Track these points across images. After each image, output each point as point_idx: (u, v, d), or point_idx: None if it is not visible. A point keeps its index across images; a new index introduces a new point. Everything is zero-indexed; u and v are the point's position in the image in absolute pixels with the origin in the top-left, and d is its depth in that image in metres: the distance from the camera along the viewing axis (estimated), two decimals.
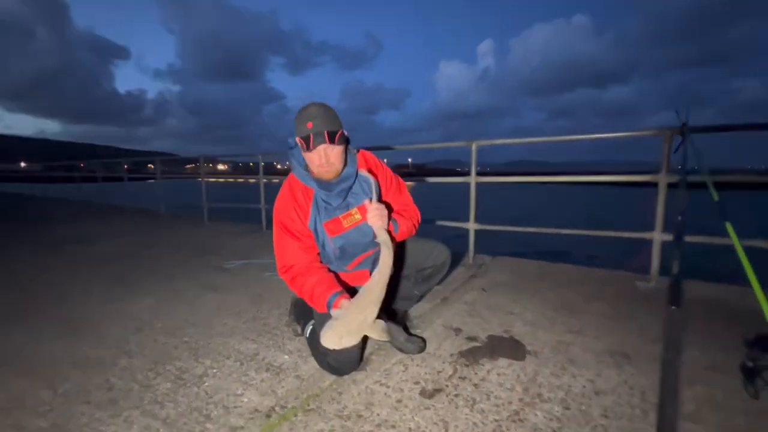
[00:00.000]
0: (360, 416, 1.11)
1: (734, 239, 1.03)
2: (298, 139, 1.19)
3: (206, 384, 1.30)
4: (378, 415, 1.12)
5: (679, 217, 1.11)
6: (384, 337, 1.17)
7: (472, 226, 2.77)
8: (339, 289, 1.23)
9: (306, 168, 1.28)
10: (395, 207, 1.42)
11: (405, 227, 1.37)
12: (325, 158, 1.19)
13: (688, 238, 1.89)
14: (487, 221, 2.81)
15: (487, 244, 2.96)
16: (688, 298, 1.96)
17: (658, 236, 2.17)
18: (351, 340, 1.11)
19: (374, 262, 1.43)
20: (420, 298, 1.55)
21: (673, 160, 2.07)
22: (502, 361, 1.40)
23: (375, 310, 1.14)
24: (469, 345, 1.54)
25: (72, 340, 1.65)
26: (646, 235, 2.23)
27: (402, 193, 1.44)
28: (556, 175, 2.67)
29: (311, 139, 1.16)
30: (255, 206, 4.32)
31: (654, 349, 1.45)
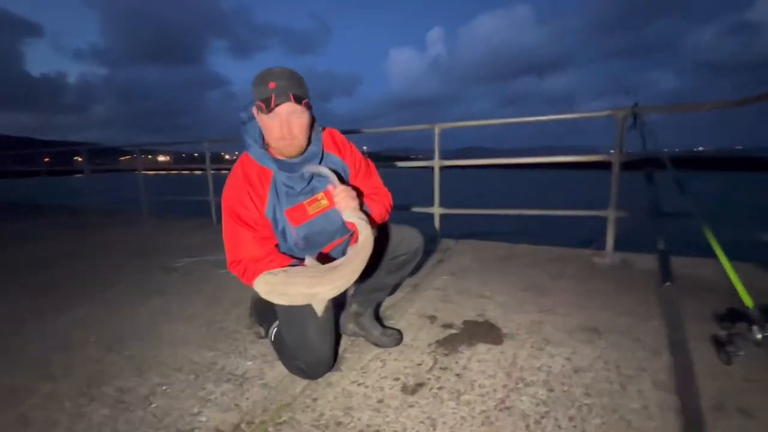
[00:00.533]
0: (339, 423, 1.01)
1: (701, 218, 1.04)
2: (257, 104, 1.02)
3: (154, 405, 1.11)
4: (359, 419, 1.02)
5: (651, 195, 1.11)
6: (319, 312, 1.01)
7: (437, 210, 2.74)
8: (295, 260, 1.10)
9: (263, 146, 1.11)
10: (365, 191, 1.30)
11: (377, 212, 1.26)
12: (287, 128, 1.03)
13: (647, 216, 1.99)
14: (449, 206, 2.79)
15: (448, 227, 2.95)
16: (650, 271, 2.08)
17: (612, 214, 2.27)
18: (282, 299, 0.99)
19: (344, 252, 1.31)
20: (394, 288, 1.46)
21: (625, 140, 2.16)
22: (481, 347, 1.36)
23: (337, 290, 1.00)
24: (446, 333, 1.49)
25: None
26: (601, 213, 2.32)
27: (372, 176, 1.31)
28: (514, 158, 2.70)
29: (273, 100, 0.99)
30: (203, 198, 3.96)
31: (621, 322, 1.49)
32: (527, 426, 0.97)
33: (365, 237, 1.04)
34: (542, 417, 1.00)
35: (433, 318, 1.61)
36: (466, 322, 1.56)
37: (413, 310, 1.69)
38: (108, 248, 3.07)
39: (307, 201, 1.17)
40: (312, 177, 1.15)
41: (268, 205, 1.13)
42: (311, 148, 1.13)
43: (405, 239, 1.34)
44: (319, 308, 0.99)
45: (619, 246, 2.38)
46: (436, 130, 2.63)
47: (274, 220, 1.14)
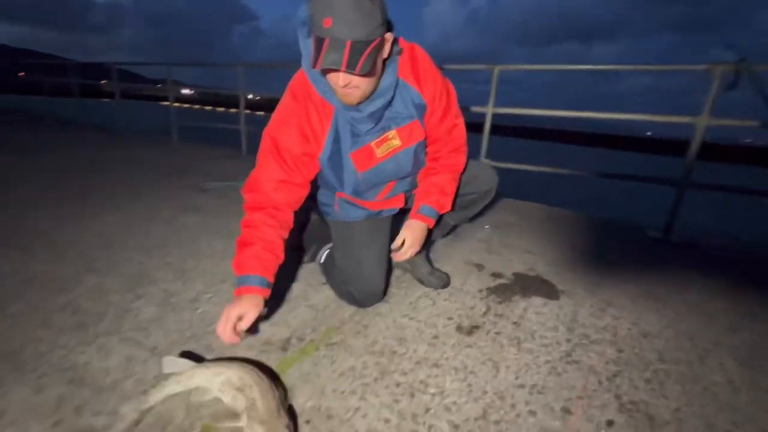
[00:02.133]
0: (394, 352, 0.95)
1: None
2: (312, 36, 0.77)
3: (200, 310, 1.08)
4: (415, 351, 0.96)
5: None
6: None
7: (484, 162, 2.56)
8: (269, 276, 0.90)
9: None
10: (436, 137, 1.09)
11: (447, 201, 1.12)
12: (344, 81, 0.80)
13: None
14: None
15: None
16: (716, 251, 1.92)
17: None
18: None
19: (411, 183, 1.18)
20: (453, 228, 1.35)
21: (720, 100, 1.89)
22: (537, 300, 1.27)
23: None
24: (497, 281, 1.40)
25: (21, 255, 1.35)
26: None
27: (449, 112, 1.06)
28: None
29: (322, 53, 0.73)
30: (234, 127, 3.85)
31: (688, 296, 1.37)
32: (599, 382, 0.90)
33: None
34: (614, 375, 0.92)
35: (480, 266, 1.52)
36: (516, 274, 1.47)
37: (459, 257, 1.60)
38: (140, 165, 3.04)
39: (375, 141, 0.98)
40: (382, 114, 0.95)
41: (324, 149, 0.96)
42: (384, 80, 0.90)
43: (478, 177, 1.21)
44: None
45: (679, 223, 2.20)
46: (496, 71, 2.37)
47: (331, 163, 0.99)
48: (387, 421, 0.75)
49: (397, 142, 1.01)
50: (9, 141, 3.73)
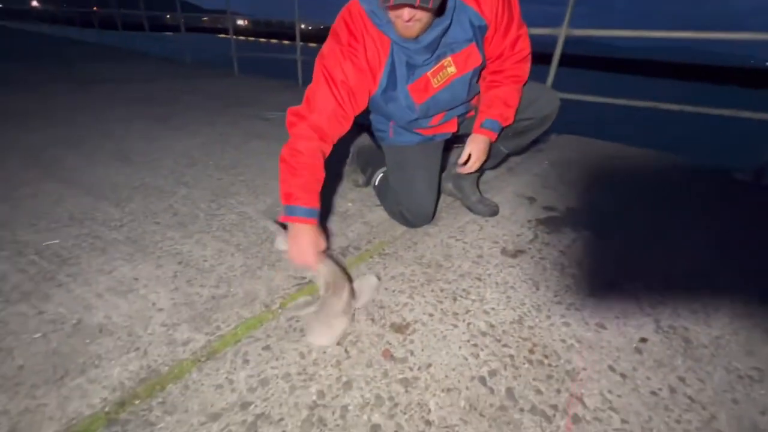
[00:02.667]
0: (440, 266, 1.04)
1: None
2: None
3: (271, 220, 1.24)
4: (459, 266, 1.05)
5: None
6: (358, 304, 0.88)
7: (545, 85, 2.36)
8: (317, 205, 0.92)
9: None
10: (499, 54, 1.04)
11: (510, 113, 1.08)
12: (408, 17, 0.79)
13: None
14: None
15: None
16: None
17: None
18: (342, 323, 0.80)
19: (465, 107, 1.17)
20: (506, 157, 1.34)
21: None
22: (588, 233, 1.27)
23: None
24: (547, 214, 1.39)
25: (126, 168, 1.60)
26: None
27: (512, 25, 1.00)
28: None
29: None
30: (290, 57, 3.86)
31: (763, 239, 1.27)
32: (640, 307, 0.92)
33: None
34: (658, 303, 0.94)
35: (532, 199, 1.51)
36: (569, 209, 1.44)
37: (510, 189, 1.59)
38: (208, 96, 3.25)
39: (431, 71, 0.98)
40: (439, 43, 0.93)
41: (380, 83, 0.96)
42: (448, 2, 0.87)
43: (538, 101, 1.16)
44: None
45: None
46: (562, 34, 2.06)
47: (385, 96, 1.00)
48: (431, 315, 0.86)
49: (452, 69, 0.99)
50: (100, 73, 4.13)
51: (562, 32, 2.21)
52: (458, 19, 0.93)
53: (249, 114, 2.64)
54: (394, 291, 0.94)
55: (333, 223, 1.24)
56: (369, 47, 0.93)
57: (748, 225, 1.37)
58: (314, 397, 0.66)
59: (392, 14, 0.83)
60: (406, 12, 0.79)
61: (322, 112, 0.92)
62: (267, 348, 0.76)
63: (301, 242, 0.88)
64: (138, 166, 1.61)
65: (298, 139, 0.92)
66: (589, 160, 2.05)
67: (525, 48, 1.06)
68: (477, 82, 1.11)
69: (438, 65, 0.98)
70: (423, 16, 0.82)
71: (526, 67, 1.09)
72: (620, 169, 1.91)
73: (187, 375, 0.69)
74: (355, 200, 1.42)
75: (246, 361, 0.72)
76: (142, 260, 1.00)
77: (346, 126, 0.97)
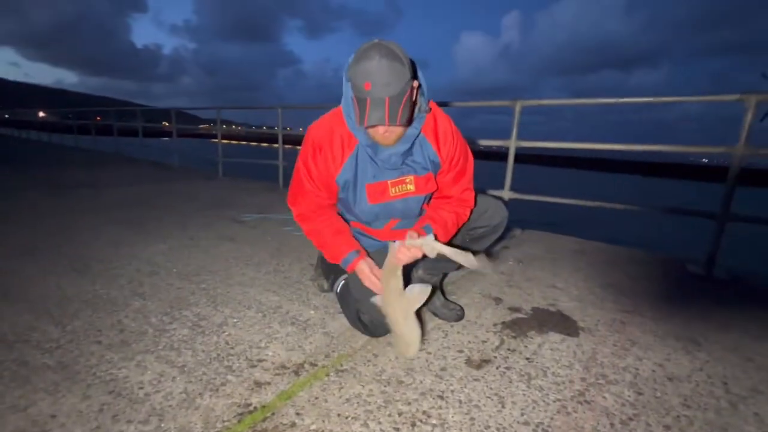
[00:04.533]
0: (401, 382, 0.98)
1: None
2: (353, 96, 0.93)
3: (226, 333, 1.18)
4: (421, 382, 0.98)
5: None
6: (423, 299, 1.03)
7: (507, 194, 2.57)
8: (357, 246, 1.13)
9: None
10: (447, 194, 1.18)
11: (442, 234, 1.13)
12: (384, 133, 0.97)
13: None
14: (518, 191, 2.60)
15: (512, 216, 2.73)
16: (760, 289, 1.77)
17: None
18: (415, 327, 1.03)
19: (411, 223, 1.25)
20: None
21: (756, 130, 1.81)
22: (554, 336, 1.25)
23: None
24: (513, 316, 1.39)
25: (81, 278, 1.54)
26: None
27: (463, 176, 1.16)
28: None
29: (367, 112, 0.88)
30: (272, 162, 4.15)
31: (726, 337, 1.28)
32: (612, 424, 0.86)
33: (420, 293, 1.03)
34: (630, 419, 0.88)
35: (498, 300, 1.52)
36: (535, 309, 1.45)
37: (476, 290, 1.60)
38: (187, 197, 3.35)
39: (392, 181, 1.10)
40: (402, 160, 1.07)
41: (342, 171, 1.08)
42: (408, 130, 1.03)
43: (488, 211, 1.25)
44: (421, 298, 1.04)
45: (725, 257, 2.05)
46: (517, 107, 2.43)
47: (345, 187, 1.11)
48: None
49: (411, 187, 1.12)
50: (81, 178, 4.27)
51: (512, 144, 2.52)
52: (421, 147, 1.09)
53: (225, 216, 2.71)
54: (347, 417, 0.85)
55: (291, 336, 1.18)
56: (335, 140, 1.07)
57: (707, 319, 1.39)
58: None
59: (371, 132, 0.99)
60: (381, 128, 0.95)
61: (307, 200, 1.15)
62: None
63: (365, 278, 1.09)
64: (95, 276, 1.56)
65: (303, 218, 1.19)
66: (552, 255, 2.13)
67: (471, 200, 1.19)
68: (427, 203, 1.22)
69: (400, 178, 1.10)
70: (397, 129, 0.98)
71: (468, 212, 1.20)
72: (582, 265, 1.99)
73: None
74: (319, 307, 1.38)
75: None
76: (68, 390, 0.90)
77: (333, 200, 1.18)
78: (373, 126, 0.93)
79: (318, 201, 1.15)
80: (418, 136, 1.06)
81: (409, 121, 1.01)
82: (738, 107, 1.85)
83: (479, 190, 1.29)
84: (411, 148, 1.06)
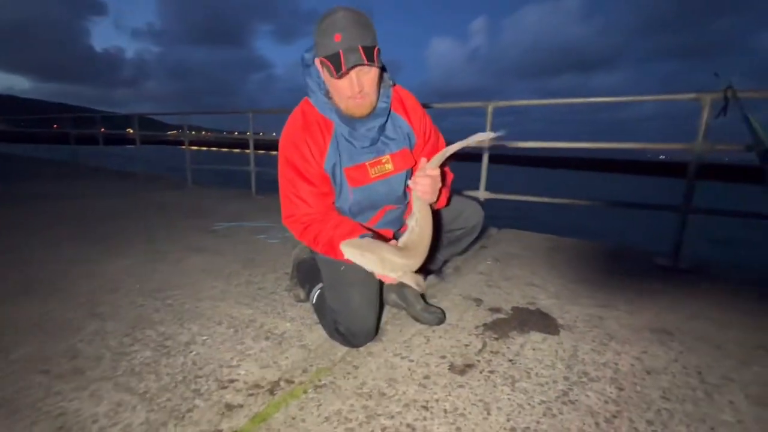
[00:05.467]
0: (383, 394, 0.94)
1: None
2: (320, 60, 0.90)
3: (194, 353, 1.09)
4: (404, 393, 0.94)
5: None
6: (418, 286, 0.93)
7: (482, 194, 2.59)
8: (368, 232, 1.00)
9: (327, 93, 1.01)
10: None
11: (445, 198, 1.15)
12: (359, 86, 0.91)
13: None
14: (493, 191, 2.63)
15: (488, 215, 2.77)
16: (722, 279, 1.85)
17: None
18: (366, 259, 0.87)
19: (398, 220, 1.22)
20: (443, 264, 1.36)
21: (712, 127, 1.91)
22: (535, 335, 1.24)
23: (418, 266, 0.95)
24: (494, 317, 1.37)
25: (30, 301, 1.40)
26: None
27: (438, 145, 1.17)
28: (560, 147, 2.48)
29: (342, 58, 0.84)
30: (244, 168, 4.02)
31: (696, 326, 1.32)
32: (597, 423, 0.86)
33: (426, 214, 0.96)
34: (613, 416, 0.88)
35: (478, 301, 1.50)
36: (515, 309, 1.44)
37: (456, 291, 1.59)
38: (153, 209, 3.18)
39: (370, 162, 1.07)
40: (379, 136, 1.05)
41: (327, 158, 1.03)
42: (379, 104, 1.00)
43: (465, 213, 1.23)
44: (418, 280, 0.94)
45: (688, 248, 2.14)
46: (490, 109, 2.46)
47: (333, 175, 1.06)
48: None
49: (390, 166, 1.09)
50: (36, 190, 3.97)
51: (490, 106, 2.54)
52: (392, 123, 1.07)
53: (194, 226, 2.57)
54: None
55: (266, 351, 1.11)
56: (313, 129, 1.02)
57: (678, 310, 1.44)
58: None
59: (343, 93, 0.93)
60: (356, 82, 0.90)
61: (303, 201, 1.04)
62: None
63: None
64: (48, 297, 1.42)
65: (304, 233, 1.05)
66: (528, 253, 2.16)
67: (448, 172, 1.18)
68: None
69: (376, 159, 1.07)
70: (371, 90, 0.93)
71: (450, 174, 1.19)
72: (557, 262, 2.02)
73: None
74: (295, 319, 1.32)
75: None
76: (9, 430, 0.80)
77: (331, 198, 1.09)
78: (351, 68, 0.86)
79: (319, 197, 1.05)
80: (389, 114, 1.05)
81: (380, 81, 0.98)
82: (687, 108, 1.94)
83: (455, 191, 1.28)
84: (384, 124, 1.04)
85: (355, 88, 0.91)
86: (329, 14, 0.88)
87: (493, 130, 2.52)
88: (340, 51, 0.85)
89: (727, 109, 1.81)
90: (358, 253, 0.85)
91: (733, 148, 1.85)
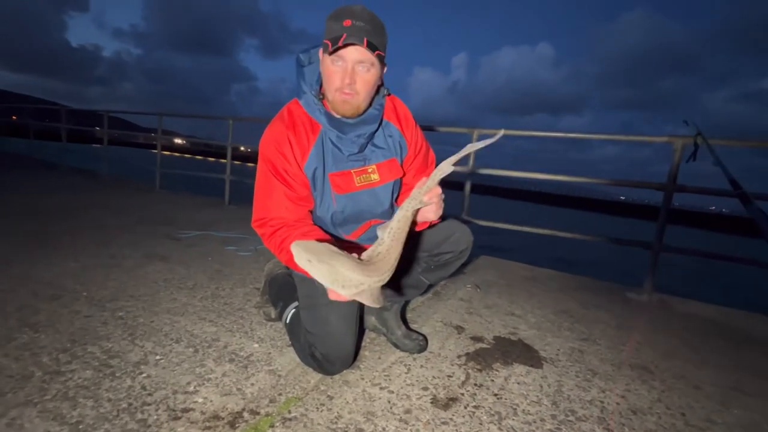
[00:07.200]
0: (360, 430, 0.84)
1: None
2: (324, 42, 0.86)
3: (144, 375, 0.95)
4: (383, 429, 0.85)
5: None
6: (377, 304, 0.78)
7: (465, 218, 2.58)
8: (328, 237, 0.94)
9: (318, 95, 0.96)
10: (410, 188, 1.11)
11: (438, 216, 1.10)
12: (350, 78, 0.87)
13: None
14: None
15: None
16: (694, 316, 1.90)
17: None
18: (317, 269, 0.70)
19: (387, 217, 1.15)
20: (428, 288, 1.30)
21: (682, 169, 2.02)
22: (519, 368, 1.19)
23: (383, 282, 0.80)
24: (476, 346, 1.31)
25: None
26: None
27: (427, 167, 1.14)
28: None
29: (342, 38, 0.81)
30: (219, 176, 3.85)
31: (673, 365, 1.32)
32: None
33: (402, 218, 0.85)
34: None
35: (460, 329, 1.44)
36: (497, 338, 1.39)
37: (437, 317, 1.52)
38: (114, 211, 2.95)
39: (356, 170, 1.01)
40: (367, 144, 1.00)
41: (309, 160, 0.97)
42: (371, 110, 0.97)
43: (453, 236, 1.18)
44: (376, 299, 0.78)
45: (657, 287, 2.20)
46: (475, 135, 2.50)
47: (313, 180, 0.99)
48: None
49: (375, 177, 1.03)
50: None
51: (470, 169, 2.57)
52: (383, 132, 1.03)
53: (158, 232, 2.39)
54: None
55: (229, 376, 0.99)
56: (299, 128, 0.96)
57: (653, 346, 1.44)
58: None
59: (335, 83, 0.88)
60: (348, 73, 0.86)
61: (279, 204, 0.95)
62: None
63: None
64: None
65: (275, 235, 0.93)
66: (506, 282, 2.14)
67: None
68: (397, 198, 1.13)
69: (362, 168, 1.01)
70: (361, 89, 0.89)
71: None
72: (535, 291, 2.01)
73: None
74: (264, 339, 1.20)
75: None
76: None
77: (308, 206, 1.00)
78: (347, 45, 0.83)
79: (295, 202, 0.96)
80: (381, 122, 1.01)
81: (371, 98, 0.95)
82: (647, 155, 2.08)
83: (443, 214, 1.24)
84: (374, 133, 1.00)
85: (346, 80, 0.87)
86: (347, 5, 0.86)
87: (474, 158, 2.58)
88: (344, 34, 0.82)
89: (696, 155, 1.92)
90: (305, 258, 0.69)
91: (702, 192, 1.95)
